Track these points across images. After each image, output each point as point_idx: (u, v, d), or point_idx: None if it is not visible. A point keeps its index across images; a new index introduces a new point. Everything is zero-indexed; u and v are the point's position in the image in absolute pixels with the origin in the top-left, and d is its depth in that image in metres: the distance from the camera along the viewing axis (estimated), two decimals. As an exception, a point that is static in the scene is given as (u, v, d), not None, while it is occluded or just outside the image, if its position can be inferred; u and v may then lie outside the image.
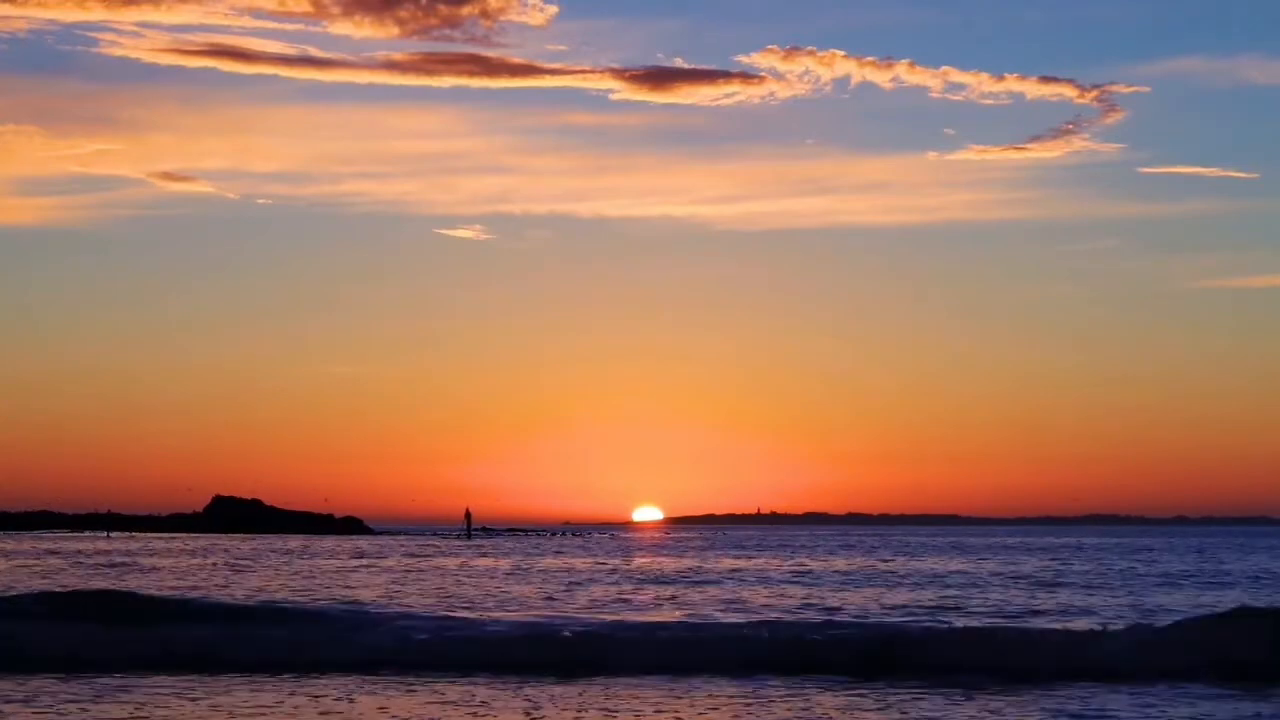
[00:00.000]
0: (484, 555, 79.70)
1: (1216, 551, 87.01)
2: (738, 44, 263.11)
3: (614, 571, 57.21)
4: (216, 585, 45.36)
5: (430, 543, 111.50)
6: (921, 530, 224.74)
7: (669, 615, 32.81)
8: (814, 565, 63.18)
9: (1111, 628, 25.89)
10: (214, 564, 62.35)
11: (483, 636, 25.75)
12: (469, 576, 52.70)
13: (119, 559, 68.38)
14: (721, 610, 34.96)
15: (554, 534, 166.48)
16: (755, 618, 30.55)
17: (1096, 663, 23.14)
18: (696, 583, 48.61)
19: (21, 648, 24.37)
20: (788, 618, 30.98)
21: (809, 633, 25.95)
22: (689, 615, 32.67)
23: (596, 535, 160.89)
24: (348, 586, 45.10)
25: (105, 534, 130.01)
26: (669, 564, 65.67)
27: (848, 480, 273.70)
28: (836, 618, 31.31)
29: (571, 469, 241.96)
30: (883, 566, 61.95)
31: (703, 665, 23.60)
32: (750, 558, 74.48)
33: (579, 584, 47.35)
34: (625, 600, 38.96)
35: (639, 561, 68.76)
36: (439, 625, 27.23)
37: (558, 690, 21.20)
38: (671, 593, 42.75)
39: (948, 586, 46.03)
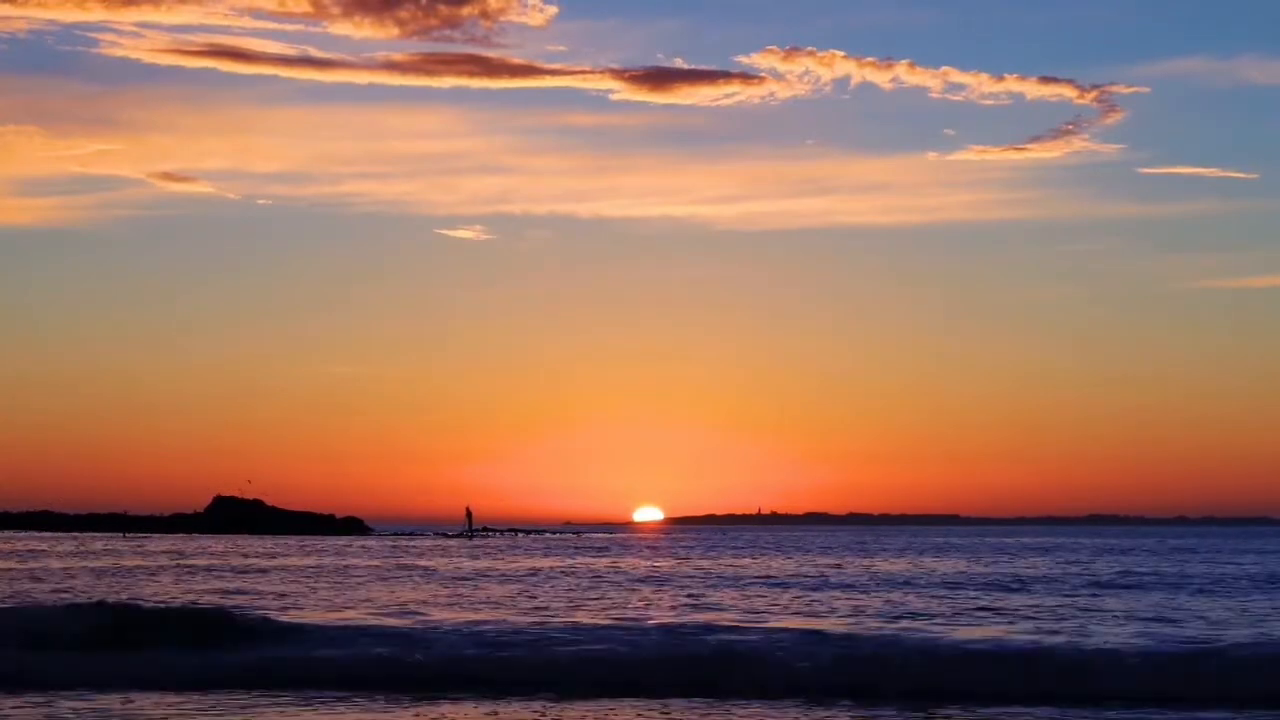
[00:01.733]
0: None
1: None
2: (738, 44, 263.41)
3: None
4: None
5: (408, 543, 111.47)
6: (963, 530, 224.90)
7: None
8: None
9: None
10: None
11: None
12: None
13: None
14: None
15: (555, 534, 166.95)
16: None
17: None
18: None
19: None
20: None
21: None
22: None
23: (593, 536, 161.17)
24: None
25: (121, 535, 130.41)
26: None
27: (848, 480, 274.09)
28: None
29: (572, 469, 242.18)
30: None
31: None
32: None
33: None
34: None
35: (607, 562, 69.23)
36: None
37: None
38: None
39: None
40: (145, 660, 25.63)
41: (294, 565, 64.58)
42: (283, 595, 42.36)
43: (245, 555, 77.05)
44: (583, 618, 33.22)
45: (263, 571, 57.54)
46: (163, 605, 35.06)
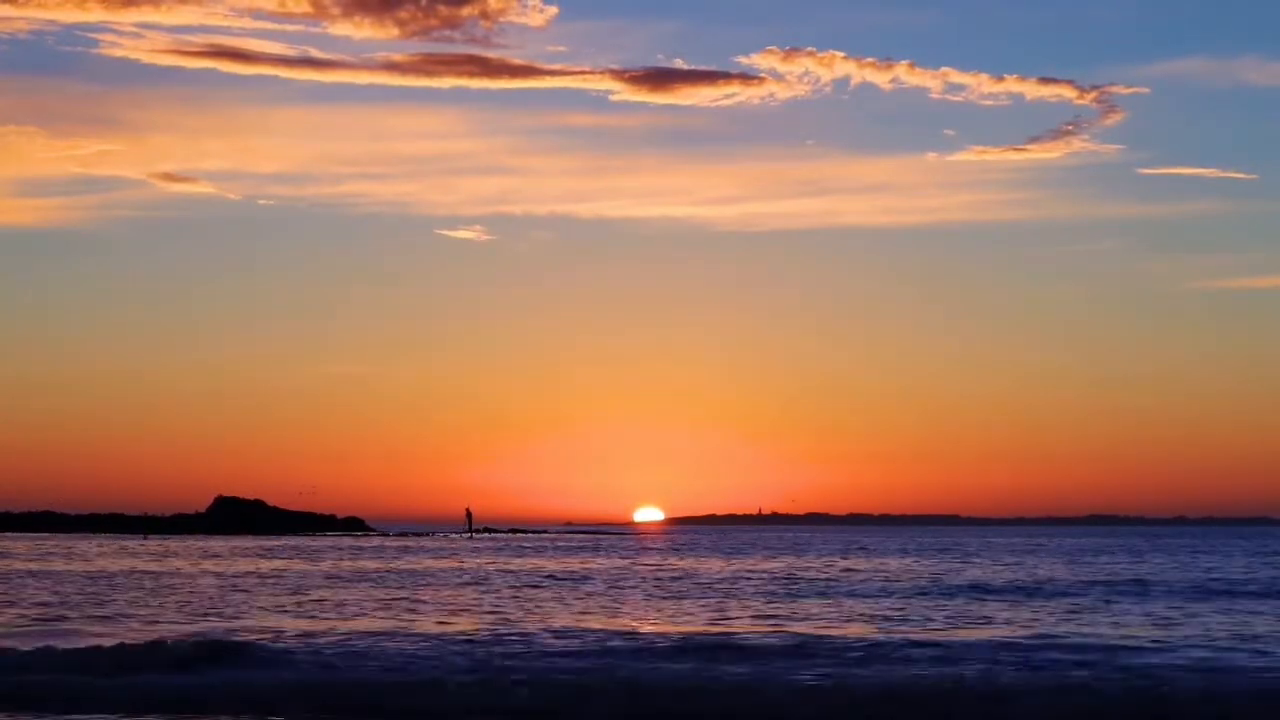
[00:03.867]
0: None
1: None
2: (737, 45, 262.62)
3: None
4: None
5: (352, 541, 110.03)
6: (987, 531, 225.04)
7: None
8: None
9: None
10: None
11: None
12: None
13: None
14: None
15: (556, 534, 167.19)
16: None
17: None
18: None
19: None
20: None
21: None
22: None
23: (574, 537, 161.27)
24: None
25: (142, 536, 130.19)
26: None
27: (848, 480, 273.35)
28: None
29: (574, 469, 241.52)
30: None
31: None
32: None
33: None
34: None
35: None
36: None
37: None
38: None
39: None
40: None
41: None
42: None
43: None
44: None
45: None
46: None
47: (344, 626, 32.92)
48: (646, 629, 32.70)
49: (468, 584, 50.57)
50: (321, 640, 29.38)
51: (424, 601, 41.51)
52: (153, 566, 63.48)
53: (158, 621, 34.63)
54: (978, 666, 25.02)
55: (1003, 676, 23.78)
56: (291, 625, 33.28)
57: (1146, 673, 24.12)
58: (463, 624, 33.68)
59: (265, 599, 42.23)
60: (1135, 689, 22.37)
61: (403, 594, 44.75)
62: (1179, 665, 25.57)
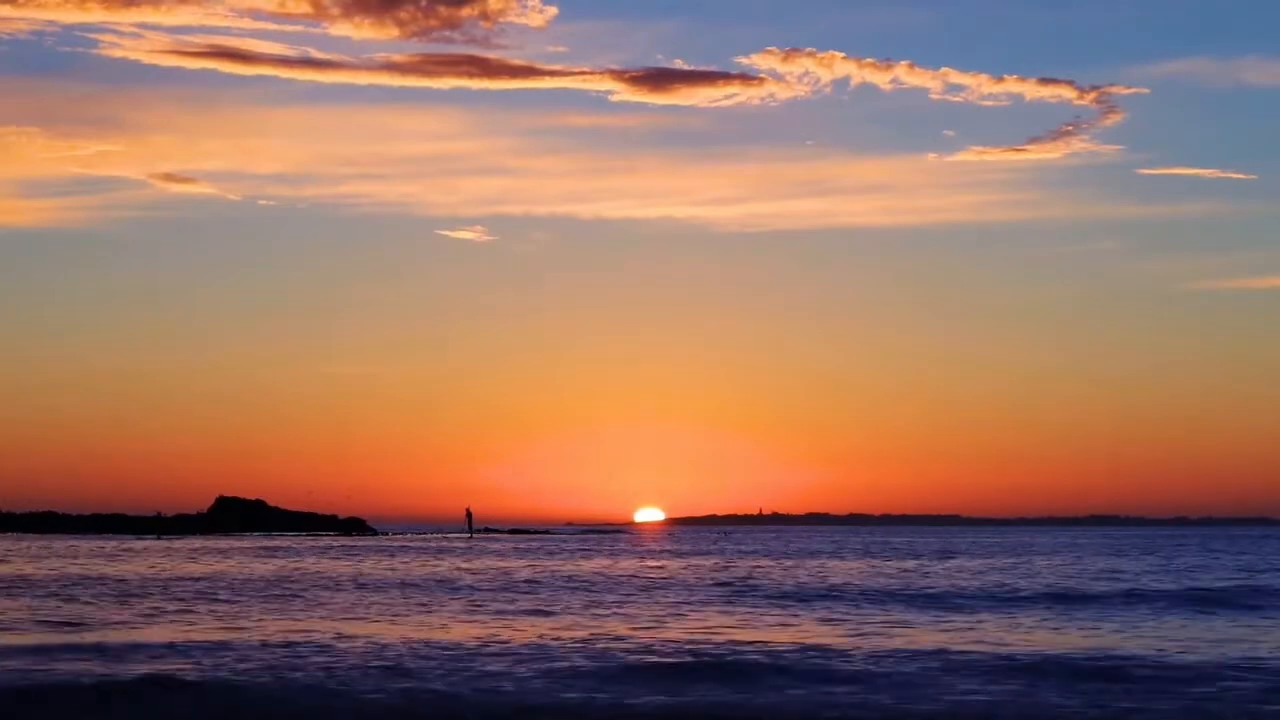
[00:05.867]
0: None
1: None
2: (737, 45, 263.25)
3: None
4: None
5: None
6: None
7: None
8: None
9: None
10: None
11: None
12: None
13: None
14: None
15: (557, 535, 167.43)
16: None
17: None
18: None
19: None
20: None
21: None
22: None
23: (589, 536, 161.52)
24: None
25: (155, 536, 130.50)
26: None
27: (848, 480, 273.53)
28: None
29: (574, 470, 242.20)
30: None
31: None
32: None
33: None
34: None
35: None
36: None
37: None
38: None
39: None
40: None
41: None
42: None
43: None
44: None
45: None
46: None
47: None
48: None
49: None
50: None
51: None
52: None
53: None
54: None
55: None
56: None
57: None
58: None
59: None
60: None
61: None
62: None
